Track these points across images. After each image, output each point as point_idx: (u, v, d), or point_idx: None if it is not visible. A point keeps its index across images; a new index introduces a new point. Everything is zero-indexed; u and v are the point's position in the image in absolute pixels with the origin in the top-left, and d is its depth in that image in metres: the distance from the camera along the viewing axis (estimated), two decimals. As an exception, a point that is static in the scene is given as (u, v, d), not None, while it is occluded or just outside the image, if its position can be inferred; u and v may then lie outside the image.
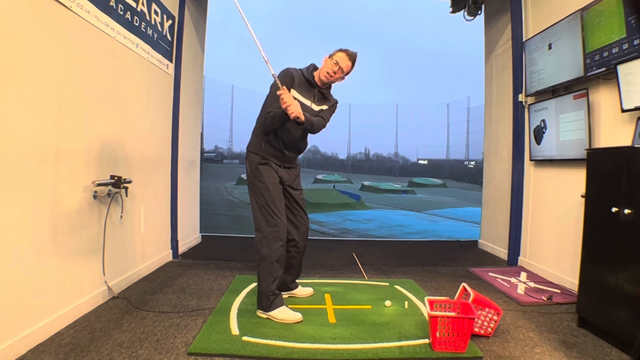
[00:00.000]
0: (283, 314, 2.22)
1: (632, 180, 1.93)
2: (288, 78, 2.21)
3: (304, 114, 2.10)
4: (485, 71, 4.57)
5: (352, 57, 2.29)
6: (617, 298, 1.96)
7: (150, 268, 3.13)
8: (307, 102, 2.30)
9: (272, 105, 2.18)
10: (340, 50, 2.30)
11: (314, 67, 2.36)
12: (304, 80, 2.30)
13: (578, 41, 2.82)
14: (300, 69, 2.34)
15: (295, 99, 2.19)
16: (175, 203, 3.61)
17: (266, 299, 2.22)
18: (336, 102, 2.46)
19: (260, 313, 2.27)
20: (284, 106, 2.04)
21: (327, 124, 2.39)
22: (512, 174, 3.77)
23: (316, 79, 2.32)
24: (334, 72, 2.26)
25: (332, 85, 2.41)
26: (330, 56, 2.30)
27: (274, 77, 2.12)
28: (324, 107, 2.39)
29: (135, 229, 2.89)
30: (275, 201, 2.25)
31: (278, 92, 2.05)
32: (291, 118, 2.07)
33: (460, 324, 1.88)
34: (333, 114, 2.46)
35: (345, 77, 2.33)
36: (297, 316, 2.22)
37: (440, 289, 2.94)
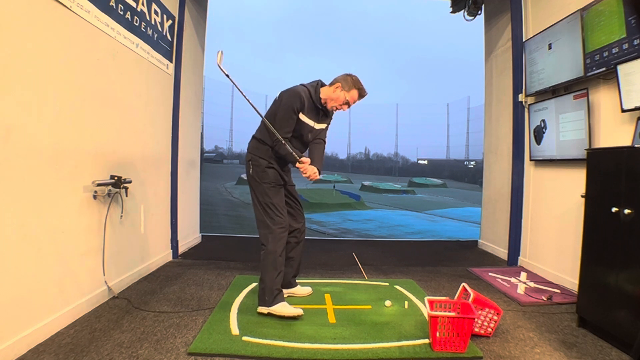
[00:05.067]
0: (285, 308, 2.24)
1: (632, 180, 1.92)
2: (299, 103, 2.26)
3: (319, 172, 2.33)
4: (485, 71, 4.57)
5: (363, 97, 2.40)
6: (617, 298, 1.96)
7: (150, 268, 3.13)
8: (311, 123, 2.37)
9: (282, 129, 2.22)
10: (355, 87, 2.33)
11: (321, 85, 2.40)
12: (312, 102, 2.34)
13: (578, 41, 2.82)
14: (307, 89, 2.34)
15: (302, 122, 2.32)
16: (175, 203, 3.61)
17: (270, 294, 2.24)
18: (332, 114, 2.56)
19: (261, 309, 2.28)
20: (304, 175, 2.30)
21: None
22: (512, 174, 3.77)
23: (323, 101, 2.35)
24: (341, 109, 2.37)
25: None
26: (343, 89, 2.32)
27: (288, 151, 2.21)
28: (324, 125, 2.49)
29: (135, 229, 2.89)
30: (279, 201, 2.35)
31: (298, 166, 2.27)
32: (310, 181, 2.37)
33: (460, 324, 1.88)
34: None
35: None
36: (298, 310, 2.24)
37: (440, 289, 2.94)
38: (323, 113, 2.43)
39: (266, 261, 2.27)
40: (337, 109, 2.39)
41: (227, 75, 2.16)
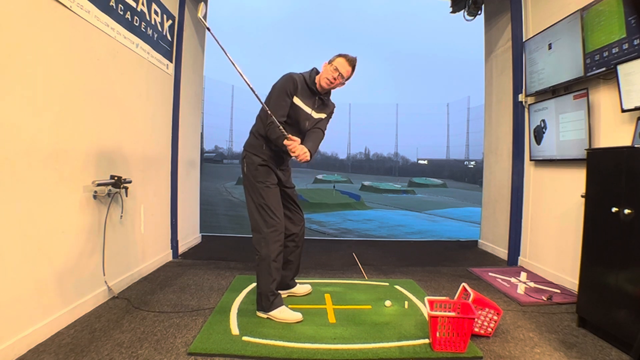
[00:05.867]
0: (283, 313, 2.23)
1: (632, 180, 1.93)
2: (292, 85, 2.22)
3: (310, 153, 2.17)
4: (485, 71, 4.57)
5: (352, 62, 2.29)
6: (617, 298, 1.96)
7: (150, 268, 3.13)
8: (308, 110, 2.32)
9: (276, 113, 2.16)
10: (340, 55, 2.29)
11: (316, 72, 2.36)
12: (306, 87, 2.30)
13: (578, 41, 2.82)
14: (302, 74, 2.32)
15: (297, 106, 2.25)
16: (175, 203, 3.61)
17: (266, 300, 2.22)
18: (334, 107, 2.50)
19: (260, 313, 2.27)
20: (292, 155, 2.14)
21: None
22: (512, 174, 3.77)
23: (317, 85, 2.31)
24: (334, 79, 2.26)
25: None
26: (330, 62, 2.30)
27: (276, 126, 2.09)
28: (323, 115, 2.42)
29: (135, 229, 2.89)
30: (273, 201, 2.28)
31: (286, 143, 2.11)
32: (299, 162, 2.21)
33: (460, 324, 1.88)
34: (329, 121, 2.51)
35: (346, 82, 2.33)
36: (297, 316, 2.23)
37: (440, 289, 2.94)
38: (320, 102, 2.36)
39: (260, 268, 2.25)
40: (333, 83, 2.27)
41: (208, 29, 2.13)
